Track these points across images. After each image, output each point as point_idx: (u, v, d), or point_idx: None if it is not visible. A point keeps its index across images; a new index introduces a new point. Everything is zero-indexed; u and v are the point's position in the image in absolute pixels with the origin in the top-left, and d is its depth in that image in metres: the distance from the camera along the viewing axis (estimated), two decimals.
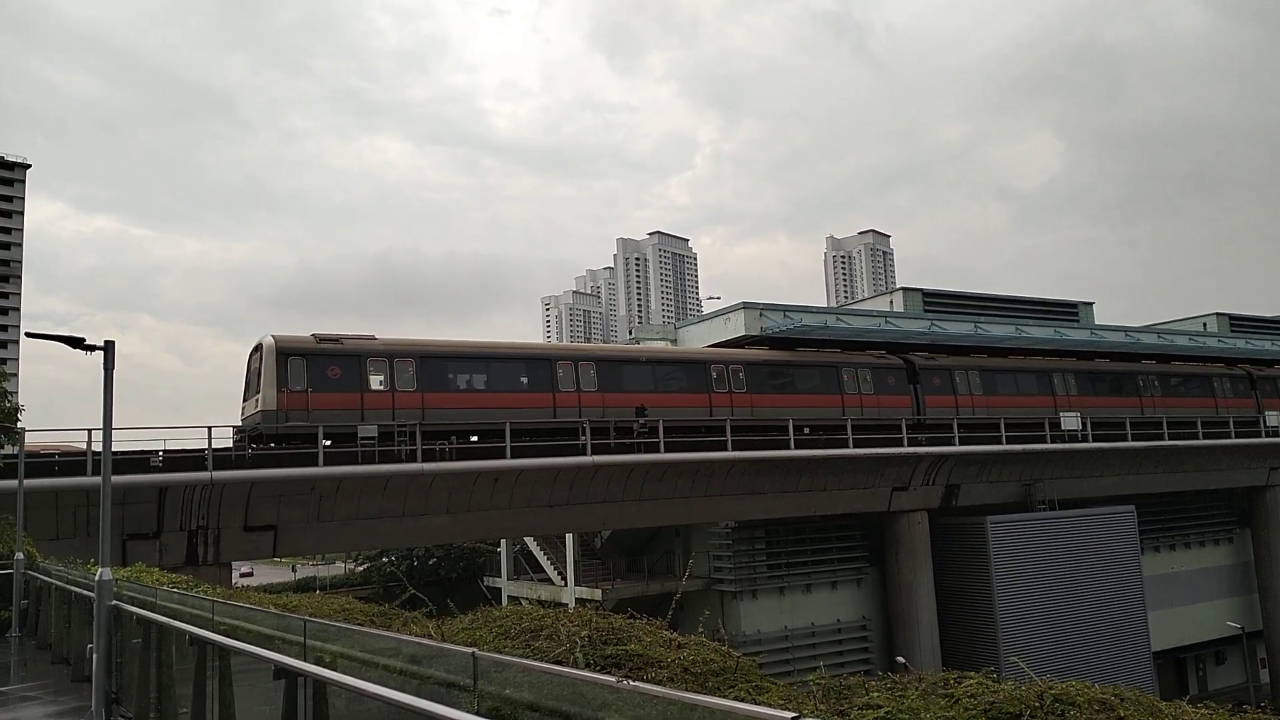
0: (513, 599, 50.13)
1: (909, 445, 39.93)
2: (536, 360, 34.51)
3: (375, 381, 30.74)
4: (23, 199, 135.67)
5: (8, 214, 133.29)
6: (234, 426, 30.94)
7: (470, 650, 4.34)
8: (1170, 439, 47.67)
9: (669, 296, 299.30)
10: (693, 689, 4.28)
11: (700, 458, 35.70)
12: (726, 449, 35.77)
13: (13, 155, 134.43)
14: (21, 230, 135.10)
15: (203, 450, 27.38)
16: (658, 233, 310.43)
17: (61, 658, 14.51)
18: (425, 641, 4.94)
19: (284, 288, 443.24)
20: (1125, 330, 53.23)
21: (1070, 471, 46.82)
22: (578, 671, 3.84)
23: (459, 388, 32.67)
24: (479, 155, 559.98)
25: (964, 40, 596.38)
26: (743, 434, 36.98)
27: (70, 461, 26.02)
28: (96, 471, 25.35)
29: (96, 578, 10.18)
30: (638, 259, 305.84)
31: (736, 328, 41.59)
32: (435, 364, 32.23)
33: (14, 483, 19.66)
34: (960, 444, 41.34)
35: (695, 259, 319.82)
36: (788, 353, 40.90)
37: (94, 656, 10.20)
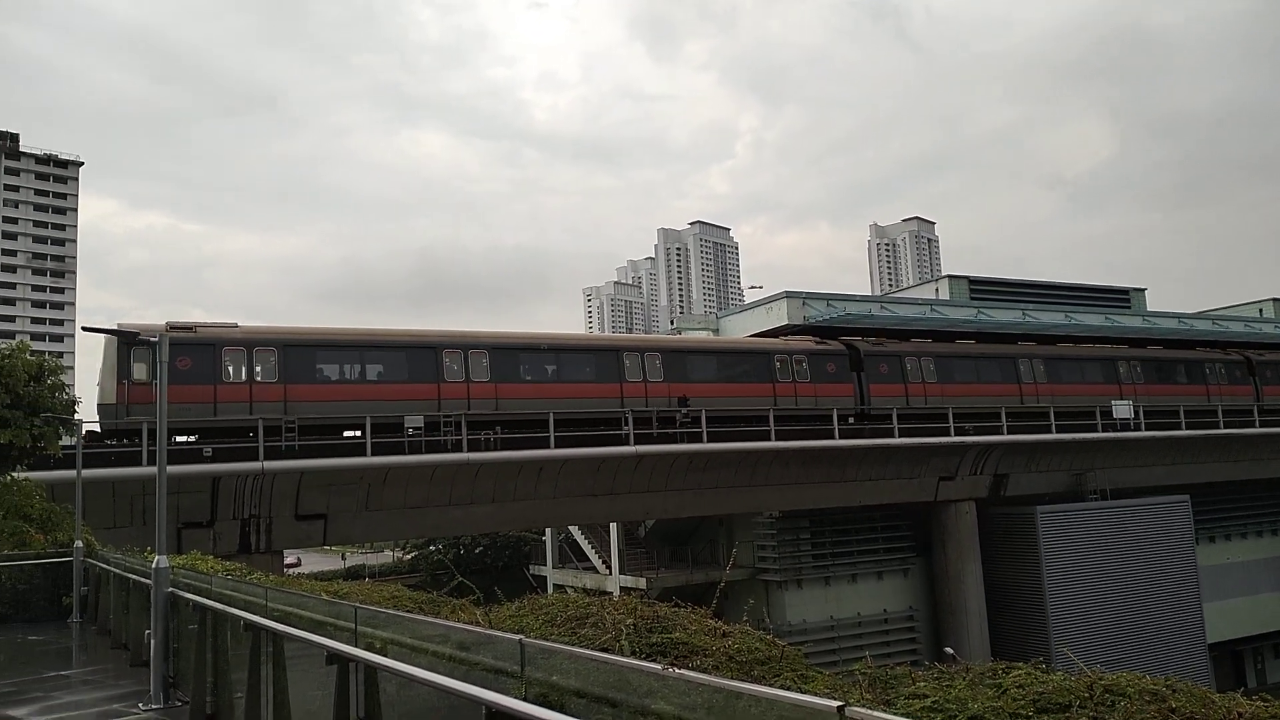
0: (558, 587, 50.52)
1: (955, 434, 39.47)
2: (420, 349, 32.13)
3: (231, 373, 28.84)
4: (76, 196, 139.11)
5: (61, 211, 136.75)
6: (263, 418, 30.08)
7: (517, 637, 4.39)
8: (1225, 427, 46.59)
9: (710, 286, 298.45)
10: (738, 677, 4.30)
11: (743, 448, 35.61)
12: (770, 438, 35.65)
13: (66, 153, 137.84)
14: (75, 227, 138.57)
15: (253, 441, 27.85)
16: (698, 222, 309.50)
17: (120, 643, 14.89)
18: (473, 628, 5.01)
19: (330, 281, 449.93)
20: (1179, 317, 52.11)
21: (1122, 461, 45.97)
22: (624, 659, 3.87)
23: (329, 379, 30.66)
24: (519, 147, 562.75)
25: (1007, 24, 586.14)
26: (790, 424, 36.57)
27: (126, 452, 26.64)
28: (151, 462, 25.97)
29: (154, 565, 10.43)
30: (678, 249, 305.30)
31: (779, 317, 41.41)
32: (301, 354, 30.12)
33: (73, 473, 20.19)
34: (1008, 433, 40.74)
35: (736, 248, 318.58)
36: (723, 340, 39.79)
37: (152, 642, 10.46)
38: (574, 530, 49.22)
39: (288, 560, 77.58)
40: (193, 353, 28.14)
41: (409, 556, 70.80)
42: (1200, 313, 56.94)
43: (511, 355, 33.22)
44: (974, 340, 44.70)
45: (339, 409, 30.15)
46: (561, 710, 3.85)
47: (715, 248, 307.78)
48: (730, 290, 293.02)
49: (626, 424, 33.39)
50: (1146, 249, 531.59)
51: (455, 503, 32.08)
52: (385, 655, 5.65)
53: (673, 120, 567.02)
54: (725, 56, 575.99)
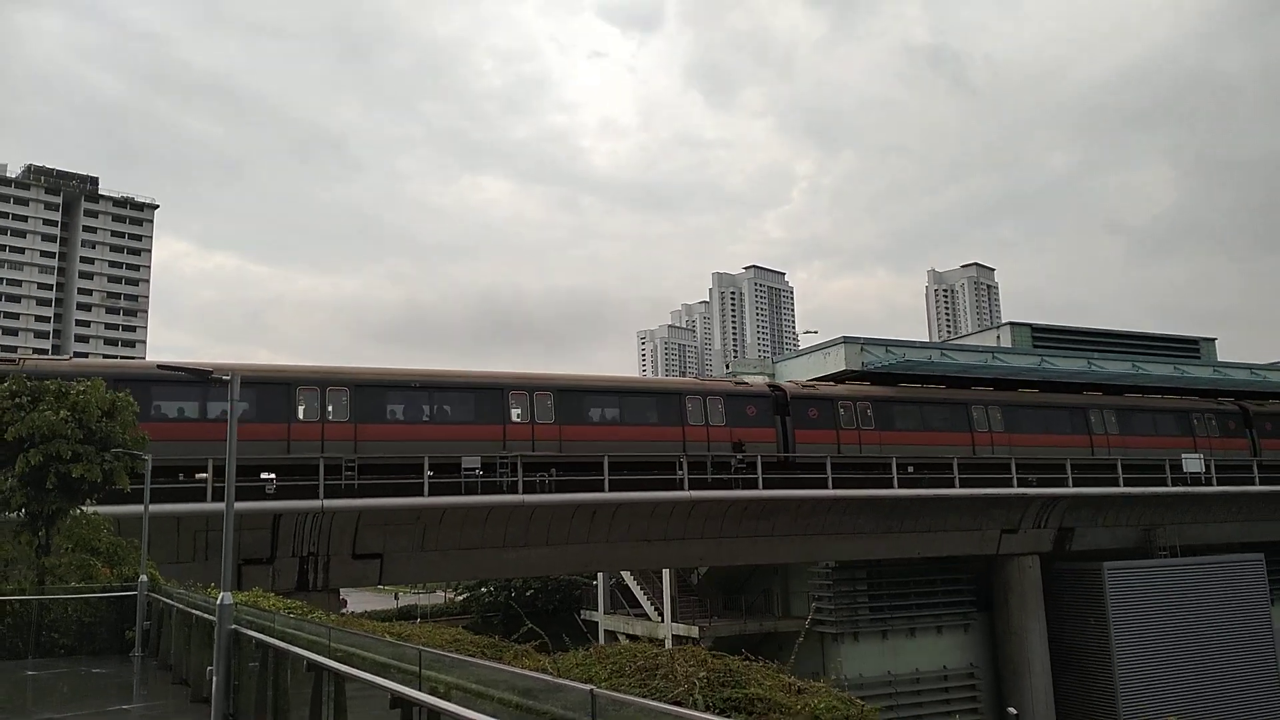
0: (609, 633, 50.05)
1: (1019, 486, 38.51)
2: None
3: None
4: (150, 238, 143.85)
5: (137, 252, 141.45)
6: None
7: (588, 687, 4.30)
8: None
9: (764, 330, 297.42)
10: None
11: (800, 495, 35.14)
12: (827, 486, 35.13)
13: (142, 197, 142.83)
14: (149, 267, 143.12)
15: (314, 479, 28.19)
16: (754, 267, 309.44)
17: (181, 679, 15.03)
18: (541, 676, 4.93)
19: (389, 322, 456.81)
20: (1251, 368, 50.53)
21: (1192, 516, 44.46)
22: (701, 715, 3.76)
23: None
24: (578, 193, 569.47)
25: (1067, 70, 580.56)
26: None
27: (190, 488, 27.15)
28: (215, 498, 26.42)
29: (218, 602, 10.53)
30: (733, 293, 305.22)
31: (837, 362, 41.00)
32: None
33: (139, 508, 20.58)
34: (1074, 485, 39.65)
35: (791, 293, 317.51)
36: (626, 379, 37.87)
37: (214, 678, 10.53)
38: (626, 576, 48.83)
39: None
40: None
41: (461, 598, 70.80)
42: (1273, 364, 55.10)
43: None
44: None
45: (402, 449, 30.33)
46: None
47: (770, 292, 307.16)
48: (785, 335, 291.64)
49: (681, 469, 33.20)
50: (1213, 297, 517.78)
51: (510, 544, 32.08)
52: (449, 699, 5.60)
53: (729, 166, 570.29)
54: (782, 103, 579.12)
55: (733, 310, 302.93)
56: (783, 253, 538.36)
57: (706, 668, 5.15)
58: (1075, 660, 41.31)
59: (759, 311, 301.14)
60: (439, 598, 78.47)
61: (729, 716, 4.08)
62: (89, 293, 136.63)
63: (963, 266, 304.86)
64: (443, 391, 32.18)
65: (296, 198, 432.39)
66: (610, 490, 31.89)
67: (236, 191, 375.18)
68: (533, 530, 32.14)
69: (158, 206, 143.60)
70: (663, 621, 44.79)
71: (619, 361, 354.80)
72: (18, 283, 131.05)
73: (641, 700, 4.11)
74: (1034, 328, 49.44)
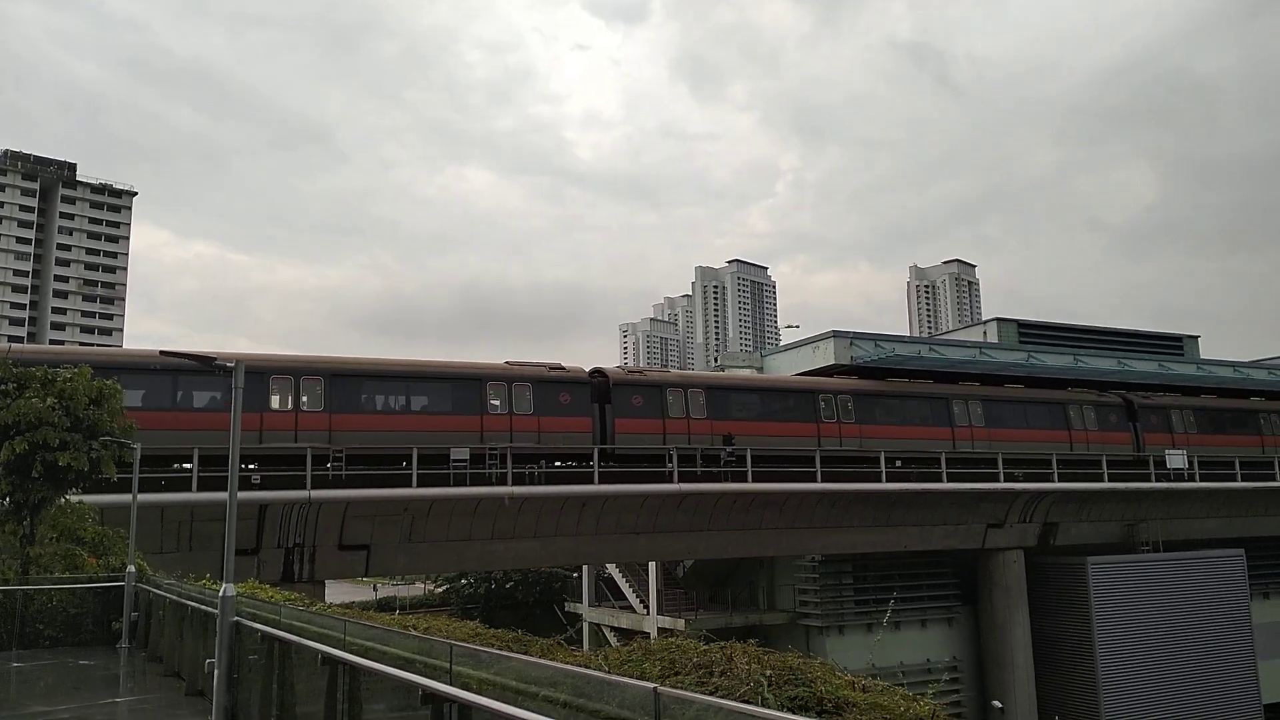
0: (594, 626, 49.93)
1: (1005, 481, 38.62)
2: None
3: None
4: (129, 225, 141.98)
5: (114, 239, 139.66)
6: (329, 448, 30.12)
7: (650, 685, 4.11)
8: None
9: (747, 324, 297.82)
10: None
11: (788, 488, 35.09)
12: (815, 480, 35.08)
13: (120, 184, 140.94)
14: (126, 255, 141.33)
15: (301, 470, 27.82)
16: (737, 260, 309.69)
17: (174, 671, 14.73)
18: (591, 672, 4.73)
19: (373, 313, 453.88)
20: (1234, 365, 50.94)
21: (1175, 512, 44.79)
22: (780, 715, 3.57)
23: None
24: (562, 184, 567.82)
25: (1050, 70, 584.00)
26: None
27: (176, 477, 26.71)
28: (201, 488, 26.01)
29: (220, 593, 10.25)
30: (716, 287, 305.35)
31: (826, 356, 40.94)
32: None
33: (126, 497, 20.21)
34: (1059, 480, 39.81)
35: (774, 287, 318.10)
36: (412, 362, 33.10)
37: (215, 672, 10.26)
38: (611, 568, 48.68)
39: None
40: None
41: (440, 590, 70.42)
42: (1255, 361, 55.61)
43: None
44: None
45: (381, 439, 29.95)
46: None
47: (753, 286, 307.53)
48: (767, 329, 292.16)
49: (670, 462, 33.05)
50: (1195, 296, 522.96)
51: (498, 537, 31.84)
52: (485, 697, 5.38)
53: (714, 159, 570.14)
54: (767, 97, 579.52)
55: (715, 304, 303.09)
56: (766, 246, 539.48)
57: (766, 664, 4.99)
58: (1057, 654, 41.56)
59: (741, 305, 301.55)
60: (419, 589, 78.04)
61: (813, 717, 3.92)
62: (65, 280, 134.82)
63: (944, 263, 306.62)
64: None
65: (279, 187, 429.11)
66: (600, 483, 31.71)
67: (218, 181, 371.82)
68: (520, 522, 31.90)
69: (136, 194, 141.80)
70: (648, 614, 44.68)
71: (600, 353, 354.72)
72: None
73: (712, 699, 3.92)
74: (1020, 324, 49.65)
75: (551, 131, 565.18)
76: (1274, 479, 45.24)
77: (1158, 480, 42.24)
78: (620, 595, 48.72)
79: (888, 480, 36.35)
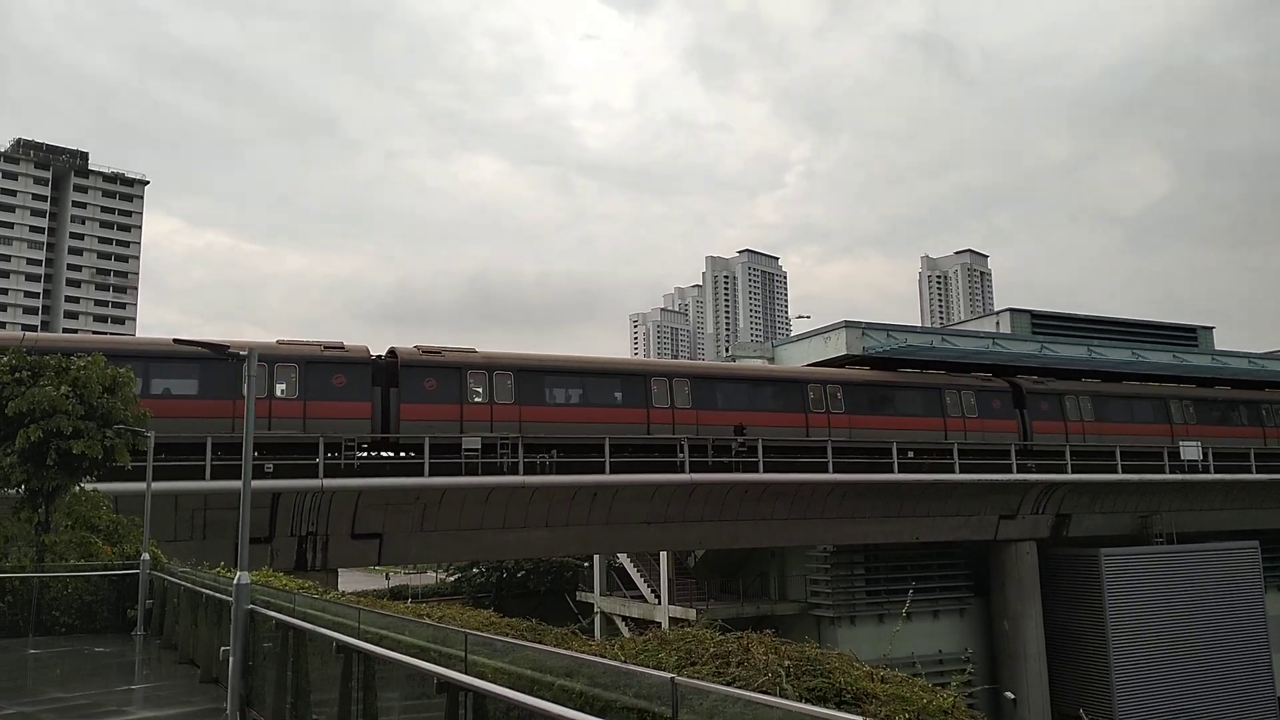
0: (605, 615, 50.01)
1: (1018, 471, 38.47)
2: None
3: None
4: (140, 214, 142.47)
5: (126, 228, 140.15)
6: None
7: (668, 675, 4.08)
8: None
9: (757, 315, 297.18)
10: None
11: (800, 479, 35.02)
12: (827, 470, 35.01)
13: (132, 173, 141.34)
14: (139, 244, 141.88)
15: (314, 458, 27.89)
16: (747, 251, 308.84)
17: (188, 658, 14.80)
18: (608, 662, 4.70)
19: (382, 302, 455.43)
20: (1249, 356, 50.55)
21: (1189, 504, 44.55)
22: (800, 705, 3.53)
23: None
24: (572, 174, 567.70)
25: (1061, 61, 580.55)
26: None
27: (188, 465, 26.78)
28: (214, 476, 26.12)
29: (235, 581, 10.28)
30: (726, 277, 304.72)
31: (837, 347, 40.81)
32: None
33: (141, 485, 20.31)
34: (1073, 471, 39.63)
35: (785, 277, 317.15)
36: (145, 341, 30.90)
37: (230, 659, 10.29)
38: (623, 558, 48.74)
39: None
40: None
41: (452, 579, 70.70)
42: (1270, 353, 55.13)
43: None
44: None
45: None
46: None
47: (763, 276, 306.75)
48: (778, 319, 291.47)
49: (681, 452, 33.01)
50: (1206, 288, 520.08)
51: (509, 526, 31.87)
52: (500, 686, 5.36)
53: (725, 149, 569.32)
54: (778, 87, 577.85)
55: (726, 294, 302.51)
56: (777, 237, 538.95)
57: (784, 655, 4.95)
58: (1070, 646, 41.43)
59: (752, 295, 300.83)
60: (430, 578, 78.36)
61: (831, 708, 3.87)
62: (78, 269, 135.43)
63: (956, 253, 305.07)
64: None
65: (289, 177, 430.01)
66: (611, 472, 31.70)
67: (229, 170, 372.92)
68: (532, 512, 31.93)
69: (148, 182, 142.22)
70: (659, 604, 44.74)
71: (611, 343, 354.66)
72: (6, 258, 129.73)
73: (730, 689, 3.88)
74: (1033, 314, 49.35)
75: (561, 121, 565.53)
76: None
77: (1172, 472, 41.99)
78: (632, 585, 48.79)
79: (900, 470, 36.24)
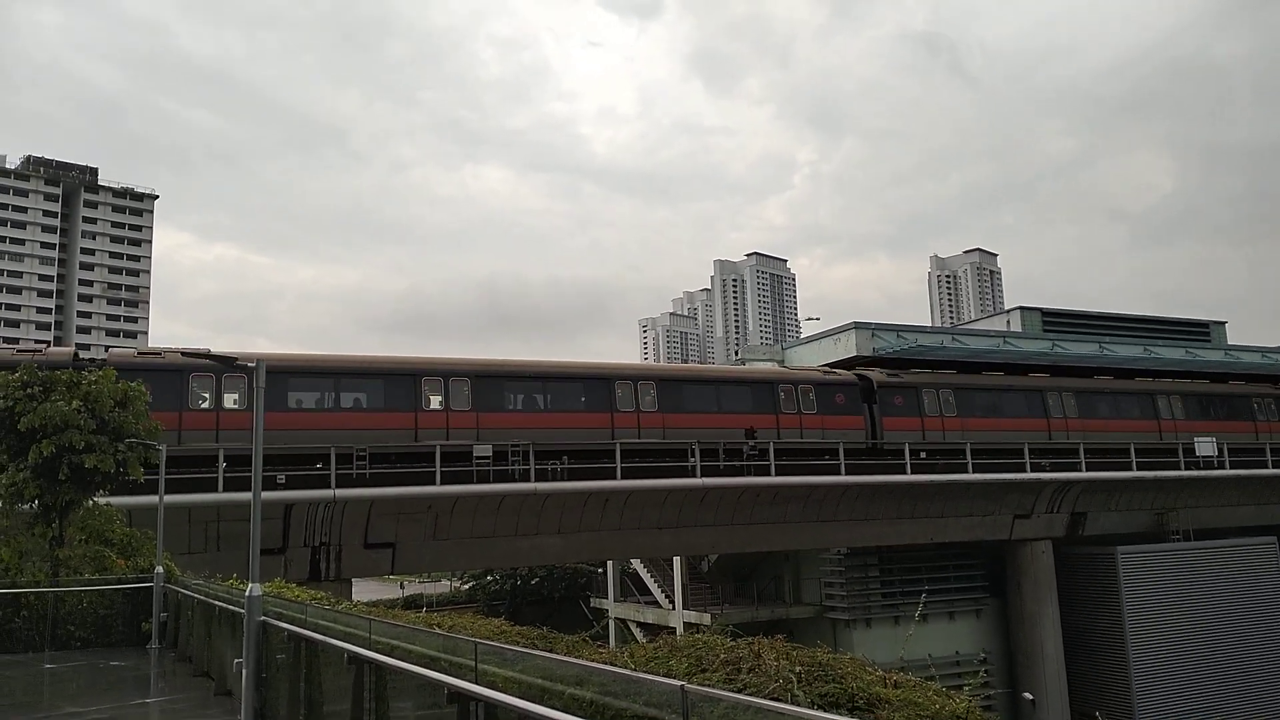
0: (619, 621, 49.94)
1: (1032, 470, 38.26)
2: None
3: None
4: (150, 228, 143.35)
5: (137, 243, 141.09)
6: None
7: (677, 682, 4.04)
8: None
9: (766, 318, 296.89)
10: None
11: (812, 481, 34.89)
12: (840, 473, 34.89)
13: (142, 187, 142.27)
14: (149, 258, 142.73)
15: (324, 469, 27.94)
16: (755, 254, 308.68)
17: (203, 671, 14.81)
18: (618, 670, 4.66)
19: (392, 312, 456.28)
20: (1263, 351, 50.22)
21: (1205, 500, 44.23)
22: (812, 712, 3.49)
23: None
24: (578, 181, 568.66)
25: (1064, 57, 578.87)
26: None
27: (202, 478, 26.86)
28: (227, 489, 26.17)
29: (247, 593, 10.28)
30: (735, 280, 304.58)
31: (847, 348, 40.71)
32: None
33: (154, 498, 20.35)
34: (1087, 469, 39.39)
35: (793, 280, 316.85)
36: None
37: (243, 671, 10.29)
38: (636, 563, 48.67)
39: None
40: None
41: (466, 587, 70.67)
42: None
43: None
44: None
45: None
46: None
47: (772, 279, 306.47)
48: (787, 322, 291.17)
49: (693, 456, 32.95)
50: (1216, 283, 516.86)
51: (522, 533, 31.85)
52: (511, 696, 5.33)
53: (730, 153, 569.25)
54: (783, 90, 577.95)
55: (735, 297, 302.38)
56: (785, 239, 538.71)
57: (795, 660, 4.90)
58: (1088, 645, 41.15)
59: (761, 298, 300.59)
60: (444, 587, 78.37)
61: (844, 714, 3.82)
62: (90, 284, 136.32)
63: (965, 252, 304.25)
64: None
65: (297, 188, 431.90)
66: (622, 478, 31.66)
67: (236, 182, 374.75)
68: (544, 518, 31.90)
69: (157, 197, 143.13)
70: (673, 609, 44.63)
71: (621, 348, 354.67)
72: (18, 274, 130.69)
73: (738, 696, 3.83)
74: (1044, 312, 49.12)
75: (567, 128, 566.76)
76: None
77: (1187, 468, 41.70)
78: (645, 590, 48.69)
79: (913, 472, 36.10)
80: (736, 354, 62.08)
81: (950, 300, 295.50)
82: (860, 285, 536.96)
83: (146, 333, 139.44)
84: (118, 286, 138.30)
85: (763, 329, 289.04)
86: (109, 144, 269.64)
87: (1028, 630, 40.93)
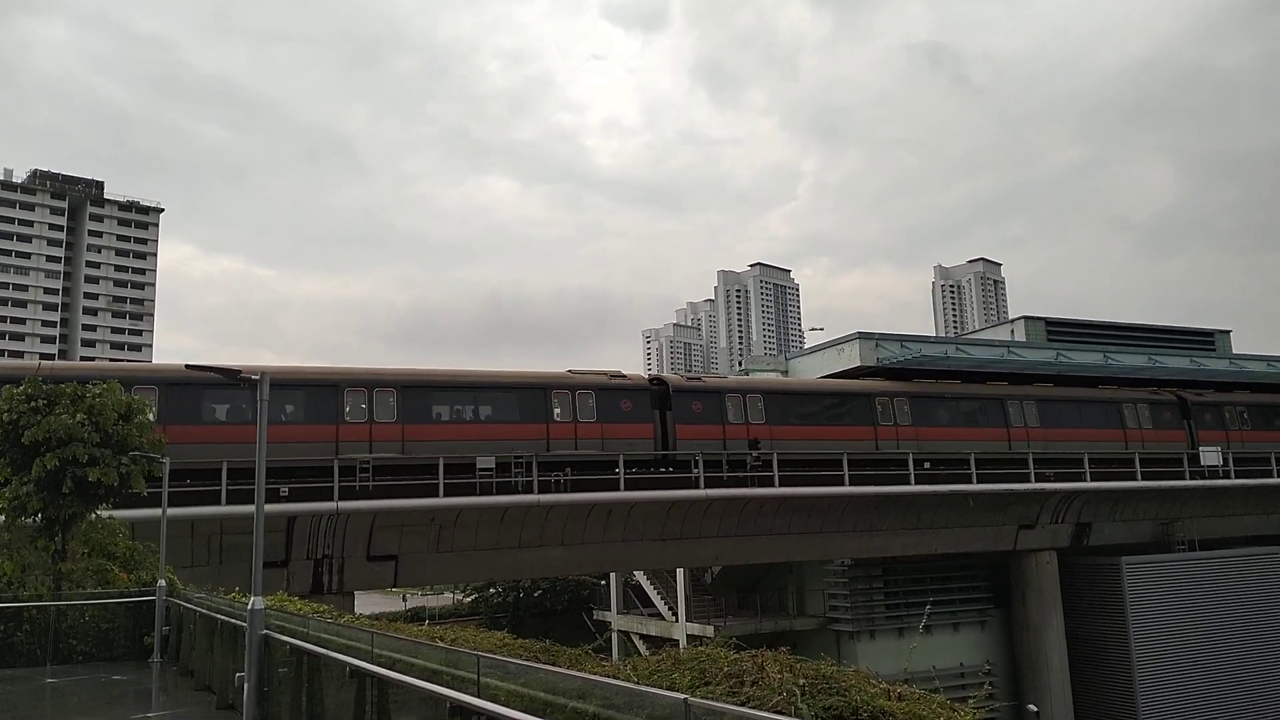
0: (623, 634, 49.80)
1: (1036, 481, 38.14)
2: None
3: None
4: (156, 241, 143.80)
5: (142, 255, 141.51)
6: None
7: (680, 696, 4.01)
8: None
9: (770, 328, 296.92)
10: None
11: (816, 492, 34.82)
12: (844, 484, 34.80)
13: (147, 201, 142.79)
14: (155, 271, 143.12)
15: (328, 482, 27.90)
16: (759, 264, 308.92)
17: (205, 685, 14.76)
18: (620, 683, 4.64)
19: (399, 324, 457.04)
20: (1269, 360, 50.08)
21: (1210, 510, 44.07)
22: None
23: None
24: (584, 192, 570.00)
25: (1069, 68, 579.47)
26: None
27: (205, 491, 26.84)
28: (230, 501, 26.15)
29: (249, 607, 10.26)
30: (739, 291, 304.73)
31: (851, 358, 40.66)
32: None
33: (157, 511, 20.32)
34: (1092, 479, 39.26)
35: (797, 290, 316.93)
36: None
37: (245, 685, 10.26)
38: (640, 575, 48.54)
39: None
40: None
41: (469, 599, 70.54)
42: None
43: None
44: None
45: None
46: None
47: (775, 290, 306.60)
48: (791, 332, 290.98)
49: (696, 467, 32.89)
50: (1221, 292, 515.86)
51: (525, 545, 31.79)
52: (512, 709, 5.30)
53: (735, 164, 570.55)
54: (787, 101, 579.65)
55: (739, 308, 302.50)
56: (788, 250, 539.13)
57: (799, 673, 4.88)
58: (1094, 657, 40.96)
59: (765, 309, 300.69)
60: (447, 599, 78.21)
61: None
62: (95, 297, 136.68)
63: (969, 262, 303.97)
64: None
65: (303, 201, 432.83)
66: (626, 489, 31.60)
67: (242, 196, 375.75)
68: (548, 530, 31.85)
69: (163, 210, 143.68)
70: (677, 621, 44.49)
71: (626, 359, 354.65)
72: (24, 287, 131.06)
73: (741, 709, 3.81)
74: (1048, 321, 49.04)
75: (572, 140, 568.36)
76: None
77: (1191, 478, 41.56)
78: (649, 602, 48.57)
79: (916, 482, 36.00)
80: (740, 364, 62.02)
81: (954, 310, 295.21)
82: (864, 295, 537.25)
83: (151, 346, 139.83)
84: (123, 299, 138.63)
85: (767, 339, 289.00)
86: (117, 158, 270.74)
87: (1032, 641, 40.77)
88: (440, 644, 6.99)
